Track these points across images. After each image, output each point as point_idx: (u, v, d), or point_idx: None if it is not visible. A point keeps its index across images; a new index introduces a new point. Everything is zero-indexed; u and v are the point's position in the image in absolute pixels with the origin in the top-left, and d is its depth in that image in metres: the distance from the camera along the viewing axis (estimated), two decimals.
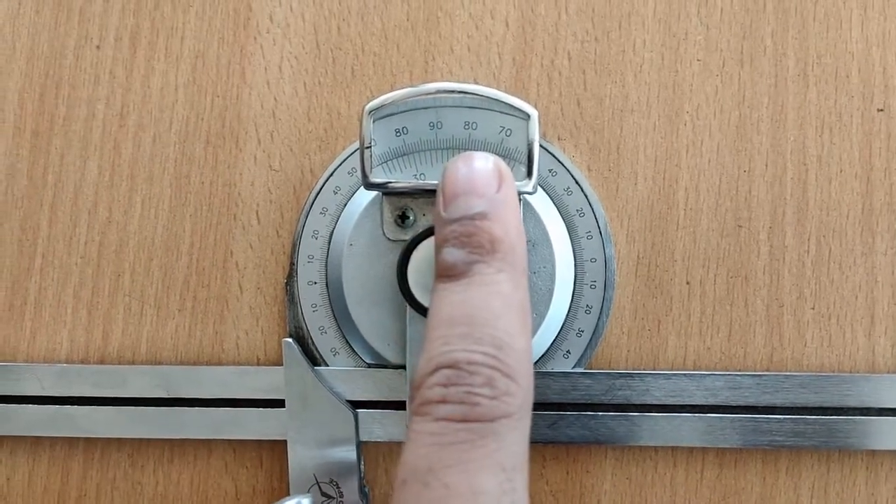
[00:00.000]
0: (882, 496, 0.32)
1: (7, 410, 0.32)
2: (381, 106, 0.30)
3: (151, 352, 0.33)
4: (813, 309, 0.32)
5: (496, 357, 0.23)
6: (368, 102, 0.30)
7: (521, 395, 0.23)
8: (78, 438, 0.33)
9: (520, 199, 0.31)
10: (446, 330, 0.24)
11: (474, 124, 0.31)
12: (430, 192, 0.30)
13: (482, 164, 0.26)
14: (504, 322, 0.24)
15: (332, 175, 0.33)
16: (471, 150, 0.31)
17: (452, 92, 0.30)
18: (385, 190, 0.30)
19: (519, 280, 0.25)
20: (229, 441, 0.33)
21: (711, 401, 0.32)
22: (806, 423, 0.31)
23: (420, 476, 0.22)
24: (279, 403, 0.32)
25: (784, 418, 0.31)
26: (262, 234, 0.33)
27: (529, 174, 0.30)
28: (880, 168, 0.33)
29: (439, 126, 0.31)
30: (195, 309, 0.33)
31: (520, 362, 0.24)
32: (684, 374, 0.32)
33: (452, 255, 0.25)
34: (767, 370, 0.32)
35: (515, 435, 0.23)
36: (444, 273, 0.25)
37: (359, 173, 0.32)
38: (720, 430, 0.31)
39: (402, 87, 0.30)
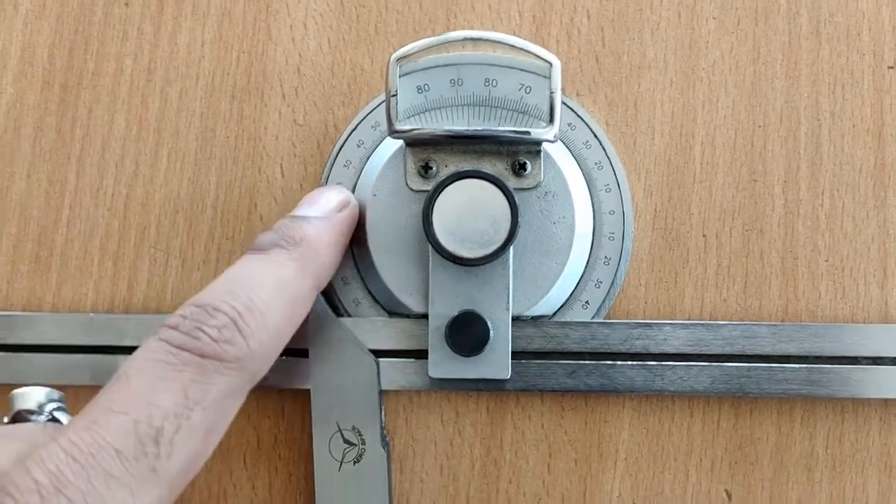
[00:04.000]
0: (895, 445, 0.31)
1: (32, 359, 0.31)
2: (409, 54, 0.29)
3: (176, 302, 0.32)
4: (827, 261, 0.31)
5: (240, 313, 0.24)
6: (395, 52, 0.29)
7: (245, 354, 0.24)
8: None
9: (540, 150, 0.30)
10: (219, 283, 0.25)
11: (494, 81, 0.30)
12: (454, 140, 0.30)
13: (335, 191, 0.30)
14: (267, 295, 0.25)
15: (355, 129, 0.32)
16: (492, 106, 0.30)
17: (477, 39, 0.29)
18: (410, 137, 0.29)
19: (305, 279, 0.27)
20: (252, 391, 0.31)
21: (728, 350, 0.30)
22: (821, 373, 0.30)
23: (119, 374, 0.23)
24: (302, 353, 0.31)
25: (799, 367, 0.30)
26: (286, 188, 0.32)
27: (551, 121, 0.29)
28: (891, 124, 0.32)
29: (460, 83, 0.30)
30: (220, 260, 0.32)
31: (262, 331, 0.25)
32: (701, 324, 0.31)
33: (265, 237, 0.27)
34: (782, 321, 0.31)
35: (218, 380, 0.23)
36: (252, 249, 0.27)
37: (384, 122, 0.31)
38: (736, 379, 0.30)
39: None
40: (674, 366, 0.30)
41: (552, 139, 0.29)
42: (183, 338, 0.23)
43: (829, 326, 0.30)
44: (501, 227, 0.28)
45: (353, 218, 0.30)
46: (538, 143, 0.29)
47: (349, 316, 0.31)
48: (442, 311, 0.30)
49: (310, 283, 0.27)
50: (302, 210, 0.29)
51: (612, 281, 0.31)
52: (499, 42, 0.29)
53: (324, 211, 0.29)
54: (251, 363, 0.24)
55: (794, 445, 0.31)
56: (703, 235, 0.32)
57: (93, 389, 0.31)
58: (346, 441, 0.30)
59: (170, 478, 0.22)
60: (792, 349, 0.30)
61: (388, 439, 0.31)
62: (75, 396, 0.32)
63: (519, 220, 0.28)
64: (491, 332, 0.29)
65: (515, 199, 0.28)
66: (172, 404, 0.22)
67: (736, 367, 0.30)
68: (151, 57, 0.33)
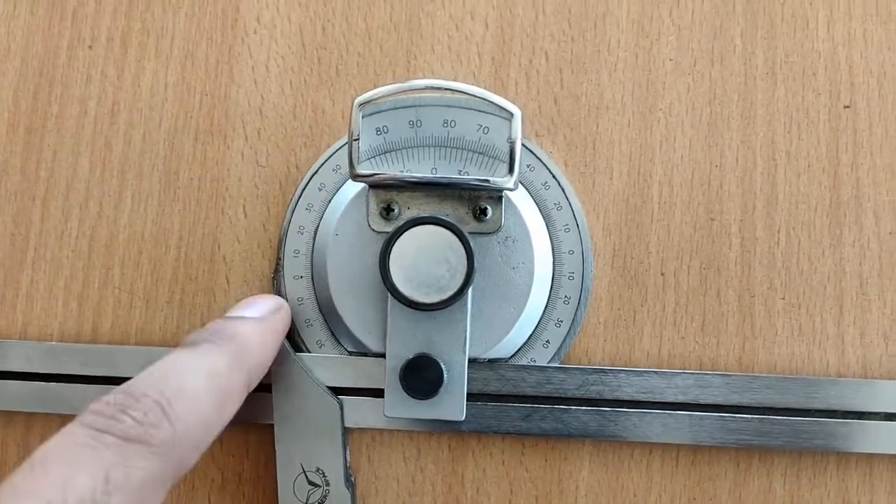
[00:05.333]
0: (853, 480, 0.31)
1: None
2: (371, 100, 0.29)
3: (140, 343, 0.32)
4: (783, 299, 0.31)
5: (168, 399, 0.23)
6: (359, 96, 0.28)
7: (171, 438, 0.23)
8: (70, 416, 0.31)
9: (501, 195, 0.30)
10: (147, 372, 0.24)
11: (452, 122, 0.30)
12: (415, 185, 0.29)
13: (269, 297, 0.30)
14: (196, 383, 0.24)
15: (316, 172, 0.32)
16: (451, 147, 0.30)
17: (440, 88, 0.29)
18: (371, 181, 0.29)
19: (236, 373, 0.26)
20: None
21: (681, 398, 0.30)
22: (772, 424, 0.30)
23: (35, 456, 0.21)
24: (265, 388, 0.31)
25: (751, 418, 0.30)
26: (249, 228, 0.32)
27: (511, 171, 0.29)
28: (847, 163, 0.32)
29: (419, 125, 0.30)
30: (183, 301, 0.32)
31: (189, 416, 0.23)
32: (655, 372, 0.30)
33: (196, 333, 0.27)
34: (740, 359, 0.31)
35: (142, 465, 0.22)
36: (182, 344, 0.27)
37: (346, 166, 0.31)
38: (689, 428, 0.30)
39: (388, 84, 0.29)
40: (627, 412, 0.30)
41: (512, 187, 0.29)
42: (106, 421, 0.22)
43: (782, 378, 0.30)
44: (458, 273, 0.28)
45: (286, 321, 0.30)
46: (499, 190, 0.29)
47: None
48: (399, 352, 0.30)
49: (241, 378, 0.26)
50: (235, 312, 0.29)
51: (573, 320, 0.31)
52: (461, 92, 0.29)
53: (257, 313, 0.29)
54: (177, 449, 0.23)
55: (752, 481, 0.31)
56: (662, 274, 0.31)
57: (61, 418, 0.31)
58: (311, 483, 0.30)
59: None
60: (744, 400, 0.30)
61: (352, 479, 0.31)
62: (44, 426, 0.32)
63: (475, 266, 0.28)
64: (445, 375, 0.29)
65: (472, 245, 0.28)
66: (90, 487, 0.20)
67: (689, 415, 0.30)
68: (115, 99, 0.33)
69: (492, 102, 0.29)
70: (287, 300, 0.31)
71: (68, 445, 0.21)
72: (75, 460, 0.21)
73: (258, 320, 0.28)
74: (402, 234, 0.29)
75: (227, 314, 0.28)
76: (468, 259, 0.28)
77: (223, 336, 0.26)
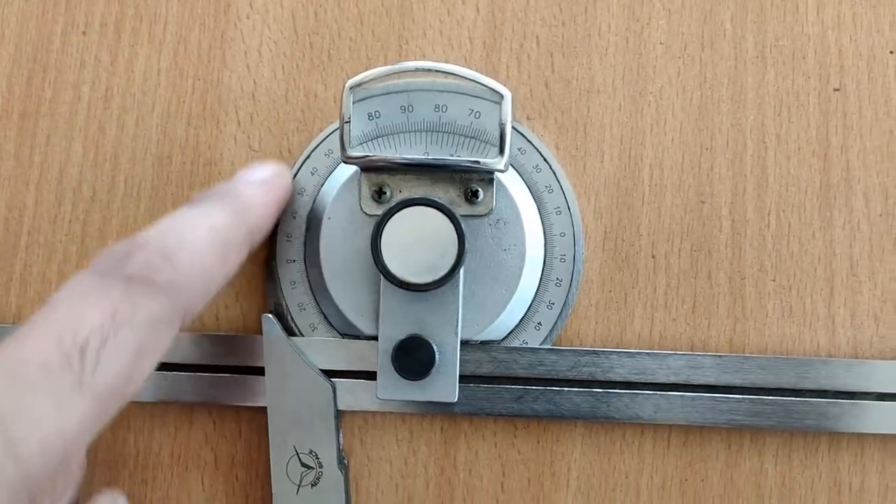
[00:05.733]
0: (844, 462, 0.31)
1: None
2: (363, 82, 0.29)
3: None
4: (774, 281, 0.31)
5: (170, 248, 0.24)
6: (350, 79, 0.28)
7: (174, 279, 0.24)
8: None
9: (492, 177, 0.30)
10: (150, 227, 0.25)
11: (444, 107, 0.30)
12: (407, 168, 0.29)
13: (270, 163, 0.30)
14: (198, 234, 0.25)
15: (309, 157, 0.32)
16: (443, 131, 0.30)
17: (431, 70, 0.29)
18: (362, 164, 0.29)
19: (237, 226, 0.27)
20: (209, 412, 0.31)
21: (673, 379, 0.30)
22: (764, 404, 0.30)
23: (46, 304, 0.22)
24: (258, 371, 0.31)
25: (743, 398, 0.30)
26: None
27: (501, 152, 0.29)
28: (837, 145, 0.32)
29: (410, 109, 0.30)
30: None
31: (192, 264, 0.24)
32: (647, 353, 0.30)
33: (198, 193, 0.28)
34: (731, 341, 0.31)
35: (147, 303, 0.23)
36: (185, 204, 0.27)
37: (338, 150, 0.31)
38: (681, 408, 0.30)
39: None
40: (619, 393, 0.30)
41: (503, 169, 0.29)
42: (112, 265, 0.23)
43: (774, 358, 0.30)
44: (449, 254, 0.28)
45: (287, 185, 0.30)
46: (490, 171, 0.29)
47: None
48: (391, 334, 0.30)
49: (242, 233, 0.27)
50: (237, 176, 0.29)
51: (564, 302, 0.31)
52: (451, 73, 0.29)
53: (258, 176, 0.29)
54: (181, 292, 0.24)
55: (743, 462, 0.31)
56: (653, 256, 0.32)
57: None
58: (304, 465, 0.30)
59: (97, 392, 0.21)
60: (736, 380, 0.30)
61: (345, 461, 0.31)
62: None
63: (466, 247, 0.28)
64: (437, 356, 0.29)
65: (462, 226, 0.28)
66: (99, 320, 0.22)
67: (680, 396, 0.30)
68: (108, 84, 0.33)
69: (482, 84, 0.29)
70: (280, 285, 0.31)
71: (77, 288, 0.23)
72: (84, 299, 0.22)
73: (259, 182, 0.29)
74: (393, 215, 0.29)
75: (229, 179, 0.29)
76: (459, 239, 0.28)
77: (224, 194, 0.27)
